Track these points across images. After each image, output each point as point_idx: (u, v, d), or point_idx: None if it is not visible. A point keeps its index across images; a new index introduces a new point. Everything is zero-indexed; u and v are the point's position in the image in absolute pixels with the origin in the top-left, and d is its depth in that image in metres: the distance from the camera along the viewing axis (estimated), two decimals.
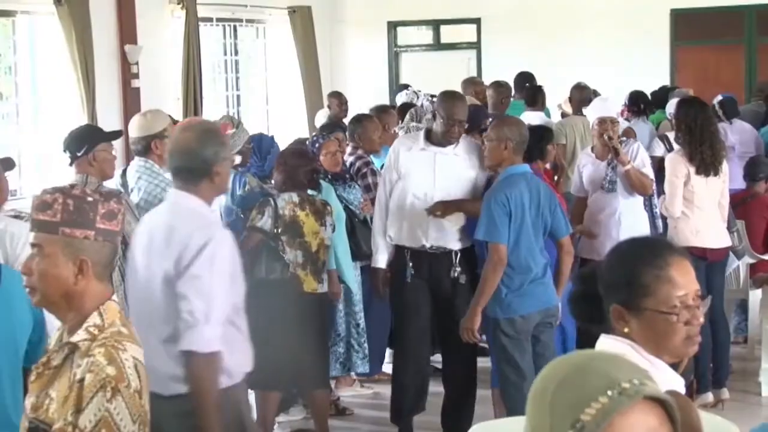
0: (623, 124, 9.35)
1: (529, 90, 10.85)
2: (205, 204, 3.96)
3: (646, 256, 2.67)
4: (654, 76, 13.66)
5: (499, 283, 5.88)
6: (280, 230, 6.27)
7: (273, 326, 6.08)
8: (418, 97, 10.59)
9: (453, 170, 6.44)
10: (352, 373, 7.57)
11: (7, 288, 3.78)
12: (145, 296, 3.94)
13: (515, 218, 5.85)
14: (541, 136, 7.12)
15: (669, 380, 2.61)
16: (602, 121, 7.34)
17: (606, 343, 2.68)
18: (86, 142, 5.54)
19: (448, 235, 6.38)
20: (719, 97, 9.75)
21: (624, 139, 7.58)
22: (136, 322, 3.35)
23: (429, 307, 6.49)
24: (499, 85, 10.21)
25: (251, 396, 6.69)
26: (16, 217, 5.11)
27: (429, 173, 6.43)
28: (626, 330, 2.64)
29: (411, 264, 6.44)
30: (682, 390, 2.65)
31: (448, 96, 6.62)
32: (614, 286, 2.67)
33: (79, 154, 5.51)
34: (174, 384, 3.83)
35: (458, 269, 6.37)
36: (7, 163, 5.60)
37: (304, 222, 6.34)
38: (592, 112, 7.56)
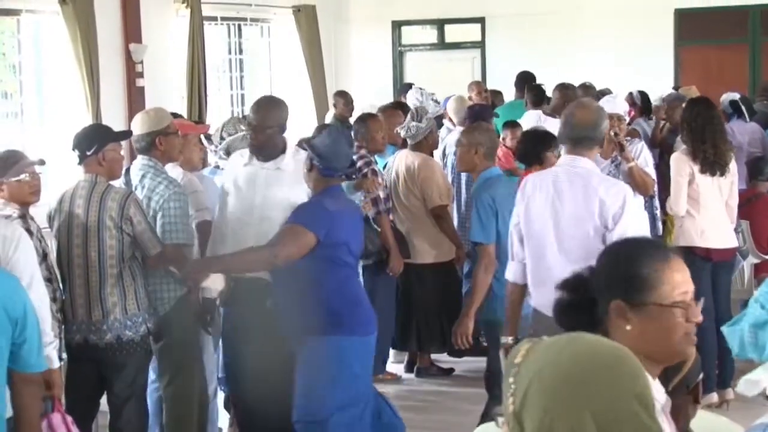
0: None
1: (535, 90, 10.86)
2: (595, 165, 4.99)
3: (646, 251, 2.68)
4: (658, 75, 13.67)
5: (498, 284, 5.84)
6: None
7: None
8: (426, 98, 10.60)
9: (274, 189, 5.69)
10: None
11: None
12: (559, 237, 4.83)
13: (502, 218, 5.87)
14: (540, 140, 7.10)
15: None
16: (609, 118, 7.34)
17: None
18: (96, 141, 5.54)
19: None
20: (735, 95, 9.72)
21: (628, 138, 7.58)
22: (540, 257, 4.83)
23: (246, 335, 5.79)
24: (565, 88, 10.15)
25: None
26: (6, 218, 5.12)
27: (249, 193, 5.77)
28: (628, 327, 2.61)
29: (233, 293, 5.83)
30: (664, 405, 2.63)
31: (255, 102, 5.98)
32: (614, 283, 2.65)
33: (88, 153, 5.51)
34: None
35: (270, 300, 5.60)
36: (38, 163, 5.64)
37: None
38: None
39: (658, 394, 2.56)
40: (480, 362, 7.12)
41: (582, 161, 4.93)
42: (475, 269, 5.90)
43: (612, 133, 7.22)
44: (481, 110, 9.10)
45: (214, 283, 5.36)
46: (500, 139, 9.39)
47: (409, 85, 12.08)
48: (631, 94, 11.20)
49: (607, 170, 7.25)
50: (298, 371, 5.34)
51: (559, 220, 4.87)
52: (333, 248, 5.25)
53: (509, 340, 5.13)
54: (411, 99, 10.51)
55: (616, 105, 7.52)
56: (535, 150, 7.01)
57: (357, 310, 5.38)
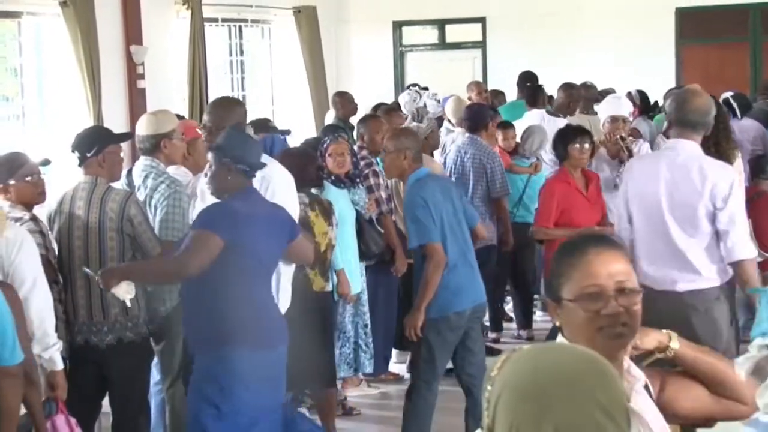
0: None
1: (529, 89, 10.87)
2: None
3: (566, 247, 2.63)
4: (659, 74, 13.66)
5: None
6: None
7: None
8: (420, 97, 10.60)
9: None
10: (359, 374, 7.58)
11: None
12: (676, 216, 5.25)
13: (437, 217, 5.91)
14: (562, 137, 7.06)
15: None
16: (614, 119, 7.35)
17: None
18: (96, 143, 5.54)
19: None
20: (728, 93, 9.72)
21: (632, 138, 7.58)
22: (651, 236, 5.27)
23: None
24: (569, 87, 10.13)
25: None
26: (17, 220, 5.13)
27: (204, 198, 5.52)
28: (557, 324, 2.59)
29: None
30: None
31: None
32: (546, 281, 2.63)
33: (88, 155, 5.52)
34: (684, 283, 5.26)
35: None
36: (44, 163, 5.65)
37: (314, 222, 6.35)
38: (606, 109, 7.55)
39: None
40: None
41: (691, 145, 5.30)
42: (426, 265, 5.91)
43: (619, 137, 7.22)
44: (478, 110, 9.10)
45: (126, 292, 5.03)
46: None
47: (413, 86, 12.08)
48: (629, 93, 11.19)
49: (615, 170, 7.25)
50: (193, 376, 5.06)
51: (675, 200, 5.25)
52: (240, 252, 4.86)
53: None
54: (402, 100, 10.53)
55: (621, 106, 7.52)
56: (557, 148, 7.04)
57: (261, 322, 4.98)
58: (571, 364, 1.76)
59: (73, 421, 4.84)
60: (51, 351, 4.72)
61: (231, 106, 5.77)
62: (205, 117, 5.65)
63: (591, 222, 6.83)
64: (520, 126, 9.53)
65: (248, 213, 4.93)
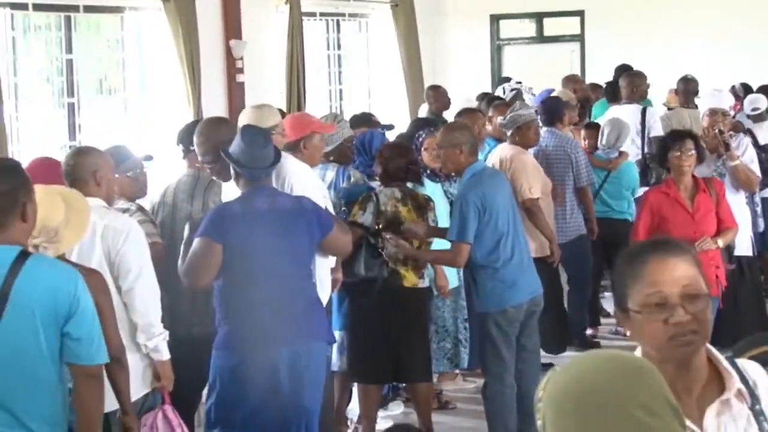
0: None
1: (608, 86, 10.77)
2: None
3: (628, 257, 2.57)
4: (764, 68, 13.36)
5: (488, 277, 6.01)
6: (381, 226, 6.29)
7: (374, 322, 6.14)
8: (506, 92, 10.53)
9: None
10: (457, 368, 7.56)
11: (31, 273, 3.66)
12: None
13: (491, 213, 5.94)
14: (662, 146, 6.84)
15: None
16: (713, 112, 7.24)
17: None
18: None
19: None
20: None
21: (732, 133, 7.45)
22: None
23: None
24: (630, 75, 10.08)
25: (354, 390, 6.76)
26: (125, 211, 5.22)
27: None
28: (628, 334, 2.56)
29: None
30: None
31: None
32: (613, 292, 2.62)
33: (192, 148, 5.59)
34: None
35: None
36: (147, 158, 5.75)
37: (405, 218, 6.35)
38: (705, 102, 7.45)
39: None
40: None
41: None
42: (448, 251, 6.13)
43: (717, 131, 7.10)
44: (553, 102, 9.01)
45: None
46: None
47: (507, 79, 12.02)
48: (733, 87, 10.99)
49: (713, 165, 7.14)
50: None
51: None
52: (231, 253, 4.91)
53: None
54: (500, 93, 10.49)
55: (721, 99, 7.41)
56: (660, 158, 6.93)
57: (257, 323, 4.96)
58: (601, 372, 1.79)
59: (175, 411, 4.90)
60: (156, 340, 4.73)
61: (215, 126, 5.58)
62: (196, 148, 5.49)
63: (690, 235, 6.23)
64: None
65: (245, 213, 4.95)
